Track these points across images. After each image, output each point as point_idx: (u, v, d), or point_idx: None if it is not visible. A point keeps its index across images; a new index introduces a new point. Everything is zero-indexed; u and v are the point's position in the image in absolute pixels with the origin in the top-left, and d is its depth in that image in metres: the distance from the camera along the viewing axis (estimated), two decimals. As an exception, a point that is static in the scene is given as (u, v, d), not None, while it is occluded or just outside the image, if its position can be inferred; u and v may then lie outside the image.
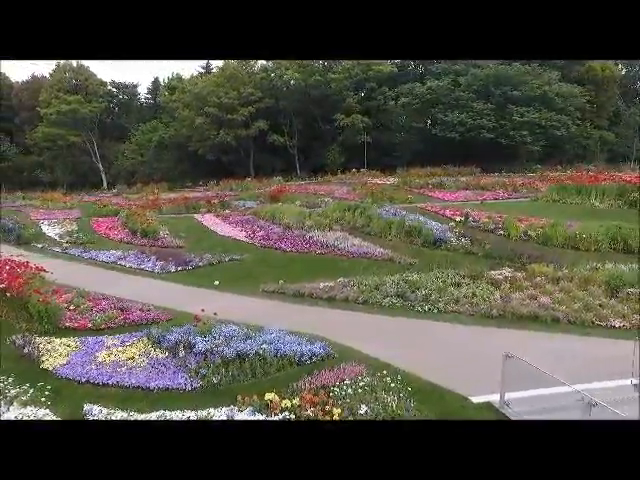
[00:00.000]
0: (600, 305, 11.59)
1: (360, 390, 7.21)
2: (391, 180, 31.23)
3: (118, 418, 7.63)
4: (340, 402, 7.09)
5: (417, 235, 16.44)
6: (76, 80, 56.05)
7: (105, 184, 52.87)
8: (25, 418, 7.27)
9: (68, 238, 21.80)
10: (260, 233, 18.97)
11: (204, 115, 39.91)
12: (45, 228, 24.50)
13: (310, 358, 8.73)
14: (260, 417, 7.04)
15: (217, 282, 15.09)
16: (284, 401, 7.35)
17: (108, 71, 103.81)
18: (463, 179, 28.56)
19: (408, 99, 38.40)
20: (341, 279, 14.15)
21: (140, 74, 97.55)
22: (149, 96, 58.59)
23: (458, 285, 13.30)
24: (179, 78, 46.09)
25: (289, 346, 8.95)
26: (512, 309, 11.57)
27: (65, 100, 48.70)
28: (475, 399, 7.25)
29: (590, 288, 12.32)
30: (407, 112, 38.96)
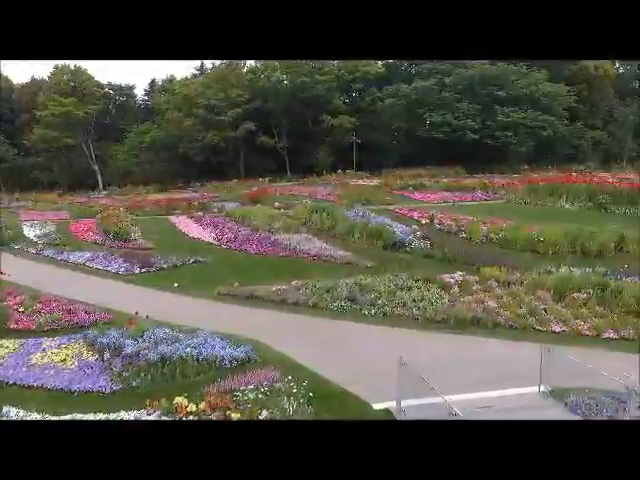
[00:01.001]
0: (545, 310, 11.48)
1: (260, 395, 7.19)
2: (374, 181, 31.15)
3: (35, 419, 7.71)
4: (242, 407, 7.10)
5: (379, 238, 16.36)
6: (73, 82, 56.59)
7: (101, 185, 53.30)
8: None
9: (45, 239, 21.99)
10: (228, 235, 19.01)
11: (192, 117, 40.14)
12: (26, 229, 24.73)
13: (230, 362, 8.74)
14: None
15: (176, 284, 15.16)
16: (190, 405, 7.39)
17: (106, 73, 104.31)
18: (444, 180, 28.40)
19: (393, 100, 38.28)
20: (295, 282, 14.12)
21: (140, 75, 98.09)
22: (146, 97, 59.10)
23: (409, 289, 13.22)
24: (170, 80, 46.36)
25: (212, 350, 8.96)
26: (456, 314, 11.50)
27: (59, 102, 49.12)
28: (376, 405, 7.21)
29: (539, 292, 12.19)
30: (393, 113, 38.83)
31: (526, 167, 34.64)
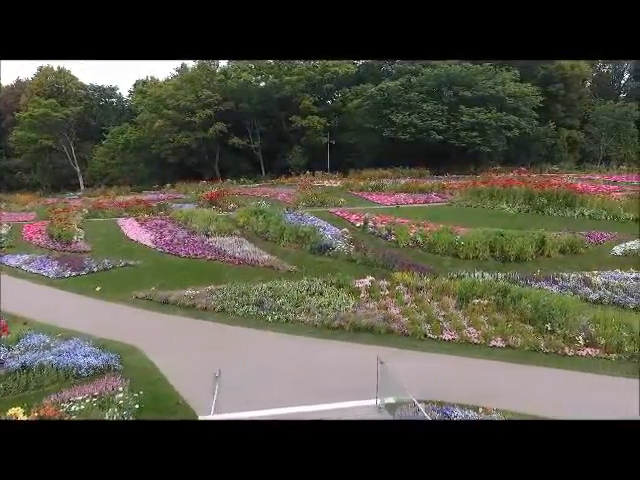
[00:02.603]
0: (444, 316, 11.24)
1: (83, 406, 7.01)
2: (340, 182, 30.89)
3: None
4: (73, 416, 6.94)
5: (307, 241, 16.15)
6: (57, 84, 56.70)
7: (82, 186, 53.36)
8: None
9: (-7, 242, 21.90)
10: (166, 238, 18.83)
11: (163, 118, 39.98)
12: (-19, 232, 24.70)
13: (87, 371, 8.56)
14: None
15: (98, 288, 15.03)
16: (22, 416, 7.22)
17: (95, 74, 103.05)
18: (403, 182, 28.11)
19: (360, 100, 37.88)
20: (211, 286, 13.96)
21: (125, 77, 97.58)
22: (129, 98, 59.03)
23: (321, 294, 13.03)
24: (144, 82, 46.26)
25: (72, 358, 8.79)
26: (353, 320, 11.28)
27: (38, 104, 49.17)
28: (202, 417, 7.01)
29: (444, 298, 11.95)
30: (360, 113, 38.48)
31: (498, 168, 34.22)
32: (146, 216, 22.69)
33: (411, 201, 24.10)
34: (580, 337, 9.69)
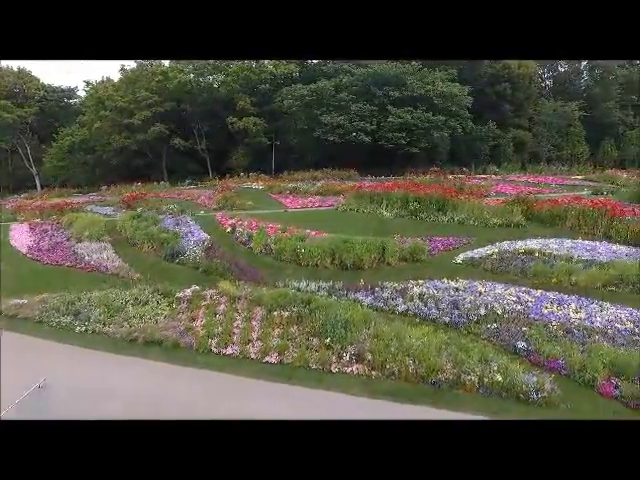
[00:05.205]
0: (242, 329, 10.85)
1: None
2: (263, 184, 30.45)
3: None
4: None
5: (166, 247, 15.76)
6: (17, 85, 56.09)
7: (39, 188, 52.87)
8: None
9: None
10: (42, 243, 18.43)
11: (102, 119, 39.48)
12: None
13: None
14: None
15: None
16: None
17: (59, 75, 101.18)
18: (318, 184, 27.67)
19: (291, 101, 37.34)
20: (44, 295, 13.56)
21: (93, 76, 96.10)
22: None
23: (146, 303, 12.65)
24: (87, 82, 45.88)
25: None
26: (146, 333, 10.90)
27: (-12, 105, 48.57)
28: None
29: (255, 309, 11.56)
30: (293, 114, 37.94)
31: (436, 169, 33.75)
32: (37, 220, 22.27)
33: (318, 204, 23.70)
34: (348, 353, 9.31)
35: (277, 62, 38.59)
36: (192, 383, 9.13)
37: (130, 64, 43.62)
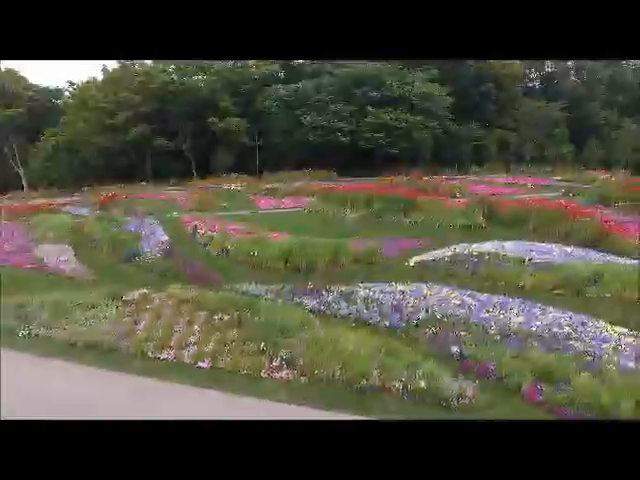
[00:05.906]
0: (184, 333, 10.75)
1: None
2: (242, 185, 30.37)
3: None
4: None
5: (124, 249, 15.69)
6: (4, 85, 55.89)
7: (26, 188, 52.74)
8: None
9: None
10: (6, 246, 18.34)
11: (84, 120, 39.34)
12: None
13: None
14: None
15: None
16: None
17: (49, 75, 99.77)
18: (296, 185, 27.59)
19: (270, 101, 37.22)
20: (-2, 299, 13.46)
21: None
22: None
23: (93, 307, 12.56)
24: (70, 82, 45.82)
25: None
26: (87, 336, 10.82)
27: (-28, 107, 48.40)
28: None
29: (199, 313, 11.47)
30: (273, 115, 37.87)
31: (415, 171, 33.63)
32: (4, 222, 22.19)
33: (292, 205, 23.64)
34: (279, 358, 9.22)
35: (259, 62, 38.52)
36: (121, 388, 9.04)
37: (112, 64, 43.54)
